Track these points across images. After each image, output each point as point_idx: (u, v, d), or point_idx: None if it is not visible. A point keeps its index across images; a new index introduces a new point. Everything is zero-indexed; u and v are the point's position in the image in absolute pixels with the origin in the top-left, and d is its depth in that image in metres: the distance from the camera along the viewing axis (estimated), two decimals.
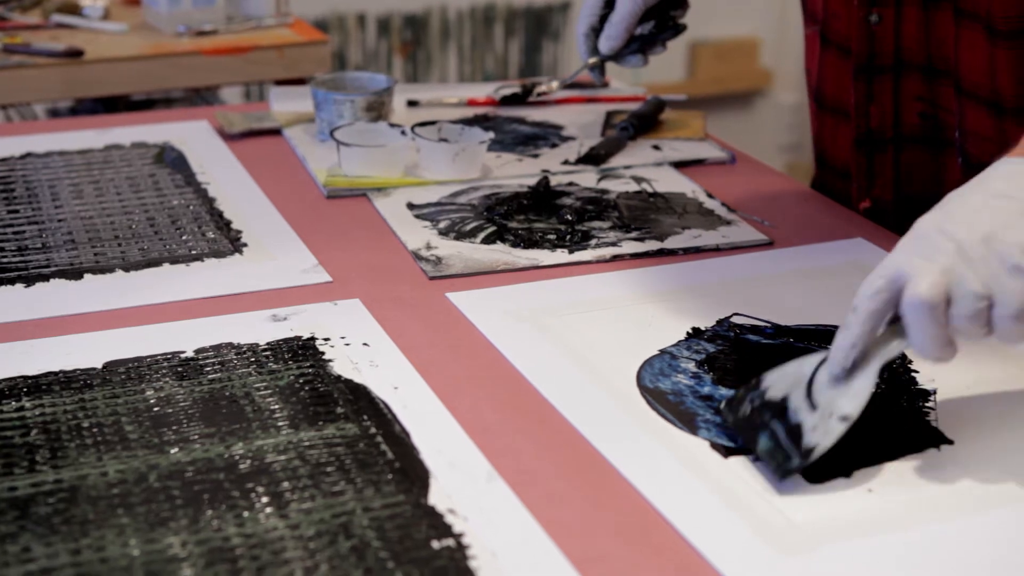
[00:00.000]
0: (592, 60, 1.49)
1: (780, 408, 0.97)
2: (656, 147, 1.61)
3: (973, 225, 0.93)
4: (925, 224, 0.96)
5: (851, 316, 0.95)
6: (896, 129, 1.39)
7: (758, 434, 0.97)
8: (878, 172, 1.42)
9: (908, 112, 1.38)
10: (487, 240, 1.35)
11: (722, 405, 1.03)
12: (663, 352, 1.13)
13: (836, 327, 1.15)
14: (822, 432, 0.94)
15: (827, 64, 1.46)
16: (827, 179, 1.52)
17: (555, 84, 1.65)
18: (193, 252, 1.32)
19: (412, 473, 0.95)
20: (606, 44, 1.47)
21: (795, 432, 0.95)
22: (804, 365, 0.99)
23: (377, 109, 1.60)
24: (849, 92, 1.41)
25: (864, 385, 0.94)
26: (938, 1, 1.31)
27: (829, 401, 0.95)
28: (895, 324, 0.95)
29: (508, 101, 1.73)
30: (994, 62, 1.27)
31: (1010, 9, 1.23)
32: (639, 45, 1.48)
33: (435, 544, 0.87)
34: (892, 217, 1.41)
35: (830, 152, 1.50)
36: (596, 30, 1.48)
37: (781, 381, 1.00)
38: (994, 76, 1.27)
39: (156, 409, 1.03)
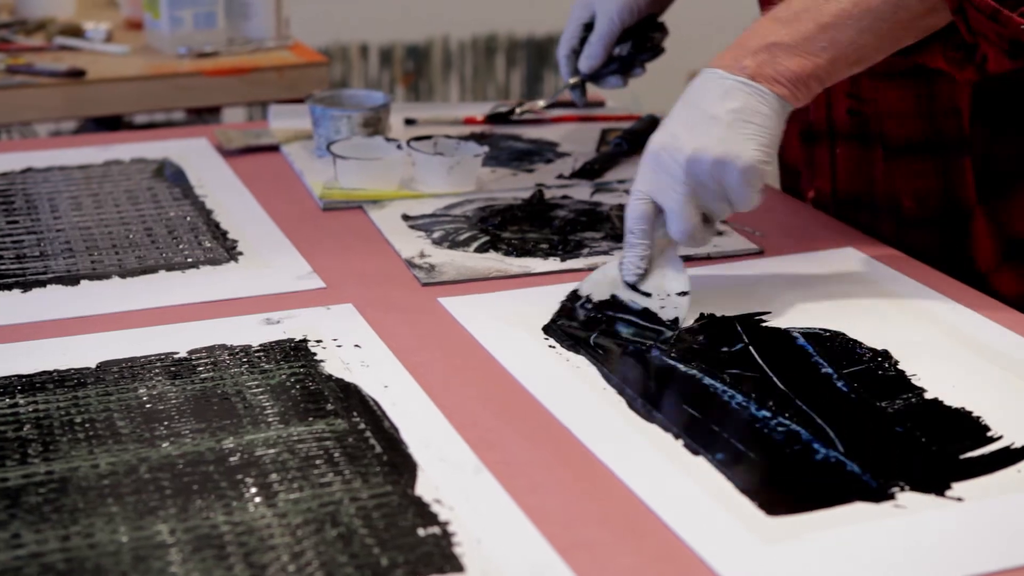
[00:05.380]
0: (573, 80, 1.55)
1: (615, 304, 1.18)
2: None
3: (692, 143, 1.12)
4: (655, 146, 1.16)
5: (630, 237, 1.18)
6: (829, 125, 1.45)
7: (614, 326, 1.17)
8: (817, 164, 1.48)
9: (838, 109, 1.43)
10: (480, 249, 1.36)
11: (550, 324, 1.19)
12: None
13: (828, 331, 1.17)
14: (672, 308, 1.17)
15: None
16: (786, 179, 1.60)
17: (540, 103, 1.73)
18: (189, 260, 1.34)
19: (400, 466, 0.96)
20: (585, 63, 1.54)
21: (648, 314, 1.17)
22: (608, 271, 1.20)
23: (374, 125, 1.62)
24: None
25: (678, 268, 1.18)
26: None
27: (658, 286, 1.18)
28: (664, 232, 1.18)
29: (493, 120, 1.76)
30: None
31: None
32: (618, 66, 1.54)
33: (421, 532, 0.88)
34: (833, 209, 1.47)
35: (785, 151, 1.56)
36: (576, 52, 1.55)
37: (598, 287, 1.20)
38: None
39: (148, 406, 1.04)
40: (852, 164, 1.44)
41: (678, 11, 1.60)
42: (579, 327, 1.18)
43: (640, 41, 1.54)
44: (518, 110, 1.74)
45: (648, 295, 1.18)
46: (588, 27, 1.54)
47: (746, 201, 1.15)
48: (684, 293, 1.18)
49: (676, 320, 1.16)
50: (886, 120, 1.37)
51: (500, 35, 3.63)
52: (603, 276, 1.21)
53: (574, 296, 1.21)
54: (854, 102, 1.41)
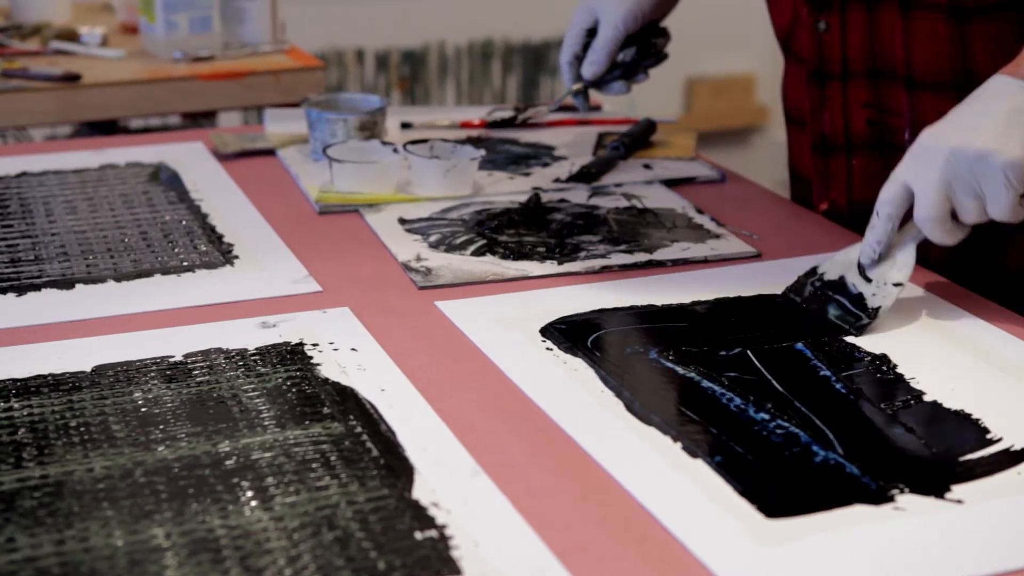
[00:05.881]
0: (576, 86, 1.56)
1: (839, 285, 1.22)
2: (647, 166, 1.62)
3: (960, 136, 1.13)
4: (925, 137, 1.16)
5: (874, 218, 1.19)
6: (847, 136, 1.44)
7: (827, 305, 1.21)
8: (833, 175, 1.46)
9: (856, 119, 1.42)
10: (477, 252, 1.36)
11: (786, 291, 1.24)
12: None
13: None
14: (881, 296, 1.19)
15: (789, 74, 1.52)
16: (797, 190, 1.58)
17: (543, 110, 1.72)
18: (184, 264, 1.33)
19: (397, 469, 0.96)
20: (589, 70, 1.54)
21: (859, 300, 1.19)
22: (850, 253, 1.23)
23: (370, 129, 1.62)
24: (805, 99, 1.46)
25: (907, 259, 1.19)
26: (881, 0, 1.35)
27: (881, 274, 1.20)
28: (912, 221, 1.18)
29: (497, 126, 1.76)
30: (966, 43, 1.31)
31: None
32: (621, 72, 1.55)
33: (418, 535, 0.88)
34: (847, 221, 1.45)
35: (797, 163, 1.55)
36: (579, 58, 1.56)
37: (833, 267, 1.24)
38: (964, 58, 1.32)
39: (144, 409, 1.04)
40: (869, 174, 1.42)
41: (675, 15, 1.60)
42: (801, 301, 1.23)
43: (643, 47, 1.54)
44: (520, 118, 1.73)
45: (869, 281, 1.20)
46: (590, 32, 1.54)
47: (1000, 201, 1.12)
48: (898, 284, 1.19)
49: (878, 309, 1.18)
50: (920, 130, 1.36)
51: (496, 40, 3.62)
52: (843, 257, 1.24)
53: (812, 272, 1.25)
54: (874, 112, 1.40)
